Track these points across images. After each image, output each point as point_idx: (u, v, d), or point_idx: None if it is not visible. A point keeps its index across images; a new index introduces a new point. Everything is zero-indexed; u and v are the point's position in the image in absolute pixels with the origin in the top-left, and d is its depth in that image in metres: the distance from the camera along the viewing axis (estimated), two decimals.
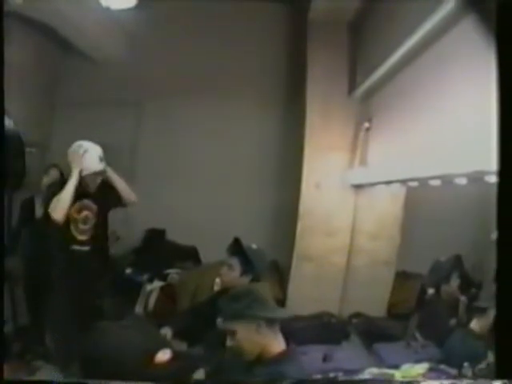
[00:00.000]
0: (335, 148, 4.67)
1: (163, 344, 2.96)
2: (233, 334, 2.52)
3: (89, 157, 3.83)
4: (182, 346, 3.71)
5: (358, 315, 4.47)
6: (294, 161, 5.04)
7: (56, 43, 5.43)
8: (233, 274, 3.54)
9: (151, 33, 5.31)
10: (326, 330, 4.06)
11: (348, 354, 3.78)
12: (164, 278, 5.33)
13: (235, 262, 3.52)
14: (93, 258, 4.01)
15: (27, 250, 4.96)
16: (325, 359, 3.60)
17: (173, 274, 5.36)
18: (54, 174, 4.85)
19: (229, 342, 2.62)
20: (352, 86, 4.64)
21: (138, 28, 5.16)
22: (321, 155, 4.68)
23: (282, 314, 2.61)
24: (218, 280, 4.24)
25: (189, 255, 5.70)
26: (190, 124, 5.76)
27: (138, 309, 4.94)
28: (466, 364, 3.02)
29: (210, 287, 4.55)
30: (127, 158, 5.69)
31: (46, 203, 3.87)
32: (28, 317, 5.05)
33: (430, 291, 4.00)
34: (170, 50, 5.51)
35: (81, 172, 3.82)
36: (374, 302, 4.55)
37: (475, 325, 3.33)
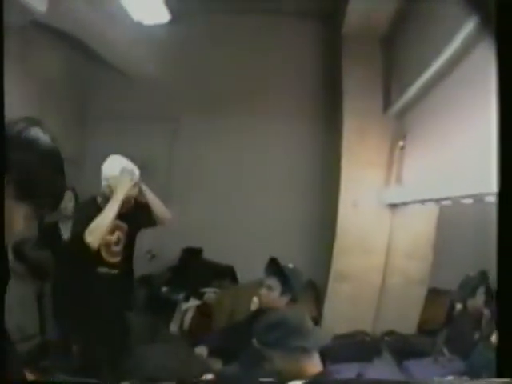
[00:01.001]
0: (371, 165, 4.69)
1: (205, 368, 3.06)
2: (269, 359, 2.58)
3: (122, 178, 3.69)
4: (217, 364, 3.81)
5: (390, 333, 4.48)
6: (331, 178, 5.06)
7: (87, 57, 5.50)
8: (272, 295, 3.61)
9: (185, 48, 5.43)
10: (359, 348, 4.08)
11: (379, 371, 3.82)
12: (200, 296, 5.35)
13: (275, 283, 3.59)
14: (121, 281, 3.92)
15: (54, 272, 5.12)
16: (358, 378, 3.64)
17: (209, 292, 5.38)
18: (68, 198, 4.84)
19: (265, 365, 2.68)
20: (387, 103, 4.67)
21: (172, 43, 5.26)
22: (357, 173, 4.70)
23: (317, 342, 2.61)
24: (255, 299, 4.29)
25: (226, 274, 5.72)
26: (226, 139, 5.81)
27: (173, 327, 4.96)
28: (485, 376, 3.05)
29: (247, 306, 4.63)
30: (162, 175, 5.66)
31: (77, 226, 3.72)
32: (55, 333, 5.18)
33: (458, 306, 4.05)
34: (205, 65, 5.60)
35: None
36: (406, 319, 4.56)
37: (496, 338, 3.34)
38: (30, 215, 1.32)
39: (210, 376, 3.54)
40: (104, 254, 3.78)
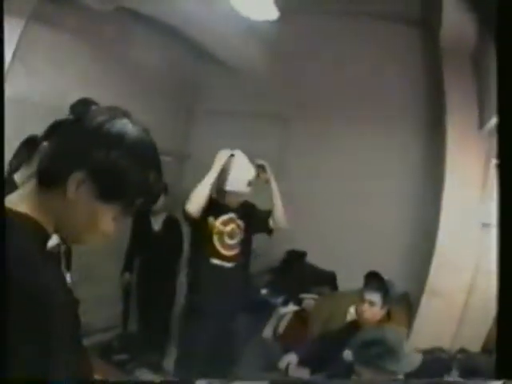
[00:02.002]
0: (470, 182, 4.62)
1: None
2: (358, 373, 2.63)
3: (238, 172, 3.90)
4: (305, 373, 3.76)
5: (462, 351, 4.32)
6: (432, 191, 4.97)
7: (191, 49, 5.60)
8: (374, 310, 3.62)
9: (295, 46, 5.43)
10: (433, 365, 3.94)
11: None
12: (299, 302, 5.31)
13: (377, 298, 3.60)
14: (235, 277, 4.04)
15: (140, 264, 5.29)
16: None
17: (308, 299, 5.33)
18: None
19: (354, 378, 2.68)
20: (482, 119, 4.56)
21: (281, 41, 5.26)
22: (458, 189, 4.64)
23: (407, 367, 2.62)
24: (352, 310, 4.25)
25: (326, 280, 5.61)
26: (331, 144, 5.78)
27: (267, 331, 4.96)
28: None
29: (343, 316, 4.54)
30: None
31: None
32: (139, 328, 5.32)
33: None
34: (313, 67, 5.59)
35: (224, 185, 3.90)
36: (479, 337, 4.39)
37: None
38: (120, 215, 1.25)
39: None
40: (217, 245, 3.94)
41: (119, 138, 1.19)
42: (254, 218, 4.10)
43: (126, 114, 1.25)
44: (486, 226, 4.47)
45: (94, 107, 1.24)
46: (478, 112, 4.63)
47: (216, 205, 3.91)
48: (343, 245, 5.42)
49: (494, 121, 4.22)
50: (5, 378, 0.96)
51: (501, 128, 1.27)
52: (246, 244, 4.22)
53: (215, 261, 3.95)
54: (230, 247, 3.99)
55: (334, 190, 5.66)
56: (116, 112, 1.24)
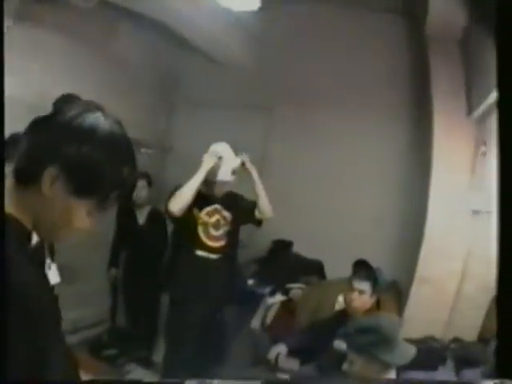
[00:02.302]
0: (458, 170, 4.62)
1: None
2: (351, 362, 2.60)
3: (222, 165, 3.88)
4: (295, 364, 3.77)
5: (456, 340, 4.34)
6: (420, 179, 4.97)
7: (173, 42, 5.58)
8: (363, 299, 3.64)
9: (277, 36, 5.39)
10: (427, 354, 3.95)
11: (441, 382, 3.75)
12: (286, 292, 5.25)
13: (367, 287, 3.62)
14: (220, 268, 4.02)
15: (126, 258, 5.26)
16: None
17: (296, 288, 5.28)
18: (141, 186, 4.96)
19: (345, 367, 2.66)
20: (469, 106, 4.59)
21: (263, 31, 5.28)
22: (446, 176, 4.63)
23: (401, 359, 2.60)
24: (340, 299, 4.26)
25: (314, 269, 5.59)
26: (316, 132, 5.72)
27: (256, 321, 4.93)
28: None
29: (332, 305, 4.54)
30: (255, 165, 5.59)
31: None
32: (127, 322, 5.30)
33: None
34: (296, 56, 5.54)
35: (209, 177, 3.86)
36: (473, 326, 4.43)
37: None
38: (95, 210, 1.23)
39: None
40: (203, 237, 3.93)
41: (91, 132, 1.18)
42: (240, 209, 4.08)
43: (98, 108, 1.23)
44: (476, 212, 4.49)
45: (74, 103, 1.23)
46: (465, 99, 4.64)
47: (200, 197, 3.87)
48: (330, 234, 5.42)
49: (482, 107, 4.23)
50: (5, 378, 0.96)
51: (502, 127, 1.27)
52: (232, 235, 4.20)
53: (201, 252, 3.94)
54: (216, 238, 3.97)
55: (321, 178, 5.66)
56: (89, 106, 1.23)
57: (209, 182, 3.90)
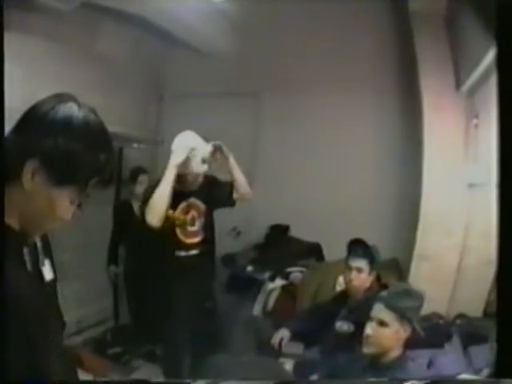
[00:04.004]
0: (451, 144, 4.63)
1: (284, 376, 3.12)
2: (381, 322, 2.68)
3: (192, 157, 3.64)
4: (299, 348, 3.79)
5: (461, 316, 4.37)
6: (412, 157, 4.99)
7: (157, 36, 5.55)
8: (362, 277, 3.64)
9: (259, 23, 5.31)
10: (433, 332, 3.94)
11: (449, 358, 3.75)
12: (286, 276, 5.27)
13: (363, 264, 3.63)
14: (201, 262, 3.89)
15: (127, 256, 5.21)
16: (429, 365, 3.60)
17: (295, 272, 5.30)
18: (142, 180, 4.94)
19: (369, 330, 2.72)
20: (458, 80, 4.60)
21: (245, 18, 5.17)
22: (439, 151, 4.65)
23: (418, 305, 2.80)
24: (341, 280, 4.27)
25: (312, 252, 5.63)
26: (306, 114, 5.73)
27: (257, 308, 4.94)
28: None
29: (332, 286, 4.57)
30: (247, 152, 5.55)
31: (143, 208, 3.71)
32: (130, 319, 5.26)
33: None
34: (280, 41, 5.52)
35: (180, 170, 3.60)
36: (477, 301, 4.45)
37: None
38: (76, 199, 1.27)
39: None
40: (180, 235, 3.80)
41: (66, 123, 1.21)
42: (215, 195, 3.89)
43: (71, 98, 1.26)
44: (472, 186, 4.50)
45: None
46: (453, 73, 4.65)
47: (173, 195, 3.62)
48: (326, 215, 5.44)
49: (471, 81, 4.25)
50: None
51: (501, 124, 1.29)
52: (209, 227, 4.08)
53: (181, 252, 3.81)
54: (193, 234, 3.83)
55: (313, 161, 5.67)
56: (61, 97, 1.26)
57: (180, 176, 3.65)
